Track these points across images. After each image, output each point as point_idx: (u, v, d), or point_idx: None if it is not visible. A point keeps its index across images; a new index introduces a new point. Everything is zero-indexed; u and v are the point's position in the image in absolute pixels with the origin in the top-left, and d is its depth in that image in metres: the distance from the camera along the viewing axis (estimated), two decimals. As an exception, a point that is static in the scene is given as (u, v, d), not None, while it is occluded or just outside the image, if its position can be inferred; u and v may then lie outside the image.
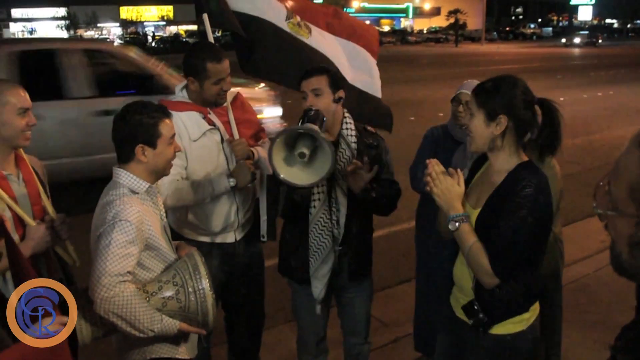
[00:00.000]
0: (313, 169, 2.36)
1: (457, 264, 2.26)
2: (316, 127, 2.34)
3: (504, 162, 2.11)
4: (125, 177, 2.16)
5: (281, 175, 2.37)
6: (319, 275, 2.71)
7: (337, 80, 2.67)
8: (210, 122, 2.85)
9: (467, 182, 2.24)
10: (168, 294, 2.10)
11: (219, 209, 2.90)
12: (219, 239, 2.97)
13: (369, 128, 2.84)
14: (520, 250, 2.02)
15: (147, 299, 2.06)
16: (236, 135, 2.92)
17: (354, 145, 2.67)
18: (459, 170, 2.16)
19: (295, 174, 2.37)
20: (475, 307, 2.13)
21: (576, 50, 43.03)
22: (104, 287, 1.95)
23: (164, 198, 2.65)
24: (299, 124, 2.47)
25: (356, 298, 2.92)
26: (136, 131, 2.13)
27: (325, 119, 2.50)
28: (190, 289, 2.11)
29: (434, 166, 2.13)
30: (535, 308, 2.19)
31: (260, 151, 2.98)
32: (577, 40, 51.73)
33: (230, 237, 3.00)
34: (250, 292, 3.15)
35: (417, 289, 3.44)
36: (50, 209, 2.43)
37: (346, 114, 2.73)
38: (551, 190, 2.69)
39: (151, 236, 2.14)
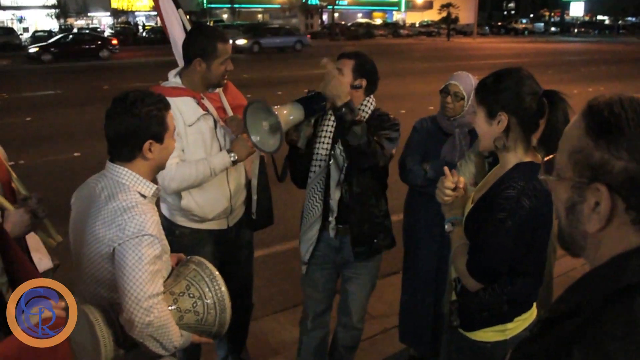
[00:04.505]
0: (277, 138, 2.48)
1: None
2: (269, 105, 2.42)
3: (507, 161, 1.95)
4: (131, 178, 1.97)
5: (253, 140, 2.51)
6: (304, 239, 2.85)
7: (364, 68, 2.71)
8: (204, 108, 2.85)
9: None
10: (185, 307, 1.96)
11: (212, 195, 2.90)
12: (211, 226, 2.97)
13: (391, 116, 2.79)
14: (497, 254, 1.89)
15: None
16: (230, 113, 2.97)
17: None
18: (454, 171, 2.08)
19: (264, 141, 2.51)
20: (453, 310, 2.09)
21: (569, 46, 42.28)
22: (146, 310, 1.82)
23: (167, 182, 2.66)
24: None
25: (355, 278, 2.93)
26: (147, 125, 1.92)
27: (325, 102, 2.56)
28: (209, 301, 1.98)
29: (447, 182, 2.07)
30: (524, 319, 2.04)
31: None
32: None
33: (222, 224, 3.01)
34: (239, 280, 3.15)
35: (404, 281, 3.44)
36: (23, 190, 2.29)
37: (367, 100, 2.76)
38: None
39: (164, 245, 2.00)
